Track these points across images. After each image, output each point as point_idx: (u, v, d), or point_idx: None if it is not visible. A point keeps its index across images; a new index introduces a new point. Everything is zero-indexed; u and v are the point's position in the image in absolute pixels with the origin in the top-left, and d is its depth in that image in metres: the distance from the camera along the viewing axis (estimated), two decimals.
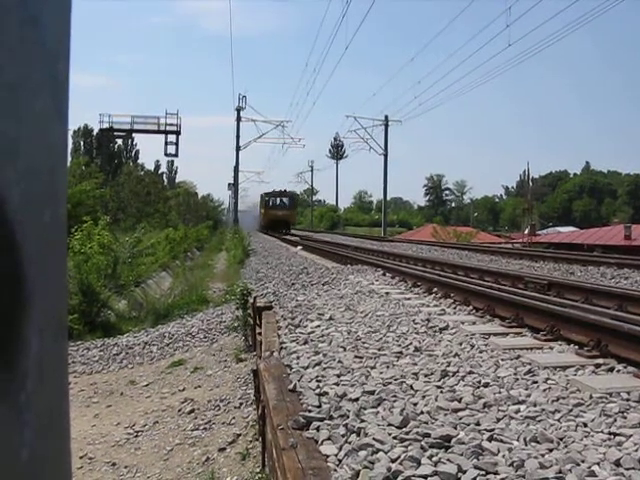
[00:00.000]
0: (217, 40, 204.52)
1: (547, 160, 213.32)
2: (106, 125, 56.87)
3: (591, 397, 4.18)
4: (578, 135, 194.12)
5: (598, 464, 3.03)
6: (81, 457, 6.69)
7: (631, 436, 3.41)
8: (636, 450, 3.18)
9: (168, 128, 56.56)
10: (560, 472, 2.90)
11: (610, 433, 3.49)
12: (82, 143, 64.29)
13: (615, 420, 3.70)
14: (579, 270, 14.73)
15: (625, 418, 3.74)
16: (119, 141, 64.46)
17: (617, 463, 3.04)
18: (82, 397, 9.23)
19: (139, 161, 71.02)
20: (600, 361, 5.21)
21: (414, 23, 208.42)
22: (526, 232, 49.84)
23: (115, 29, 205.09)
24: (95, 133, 61.58)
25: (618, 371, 4.99)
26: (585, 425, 3.64)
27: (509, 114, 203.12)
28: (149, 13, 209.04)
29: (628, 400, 4.12)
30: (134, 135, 61.86)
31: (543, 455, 3.14)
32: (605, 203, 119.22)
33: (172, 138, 57.25)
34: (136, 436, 7.29)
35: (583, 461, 3.05)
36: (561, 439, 3.39)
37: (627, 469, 2.98)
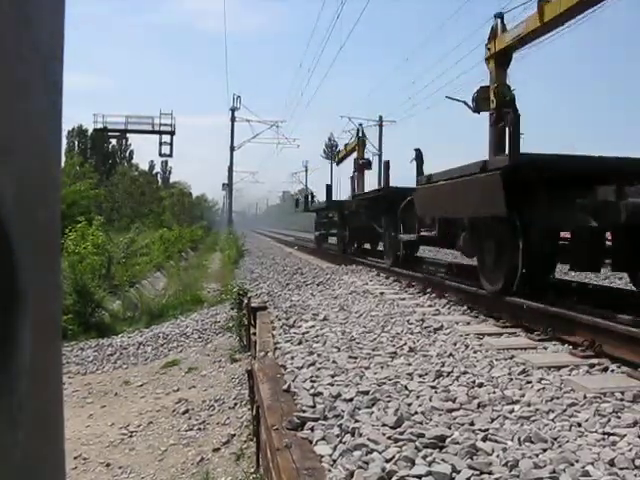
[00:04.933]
0: (212, 40, 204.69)
1: None
2: (100, 125, 56.88)
3: (585, 397, 4.18)
4: (575, 135, 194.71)
5: (592, 464, 3.03)
6: (75, 457, 6.67)
7: (625, 436, 3.42)
8: (630, 450, 3.19)
9: (162, 128, 56.62)
10: (554, 472, 2.91)
11: (604, 433, 3.50)
12: (76, 143, 63.99)
13: (609, 420, 3.70)
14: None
15: (619, 418, 3.75)
16: (113, 141, 64.25)
17: (611, 463, 3.04)
18: (76, 397, 9.20)
19: (133, 161, 70.75)
20: (594, 361, 5.22)
21: (408, 24, 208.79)
22: None
23: (110, 28, 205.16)
24: (89, 133, 61.30)
25: (612, 371, 5.00)
26: (579, 425, 3.65)
27: None
28: (144, 12, 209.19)
29: (622, 400, 4.13)
30: (128, 135, 61.76)
31: (537, 455, 3.15)
32: None
33: (166, 138, 57.34)
34: (130, 436, 7.27)
35: (577, 461, 3.06)
36: (555, 439, 3.39)
37: (621, 469, 2.98)
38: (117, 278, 18.59)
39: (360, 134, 26.38)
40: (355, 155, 25.98)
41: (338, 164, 32.60)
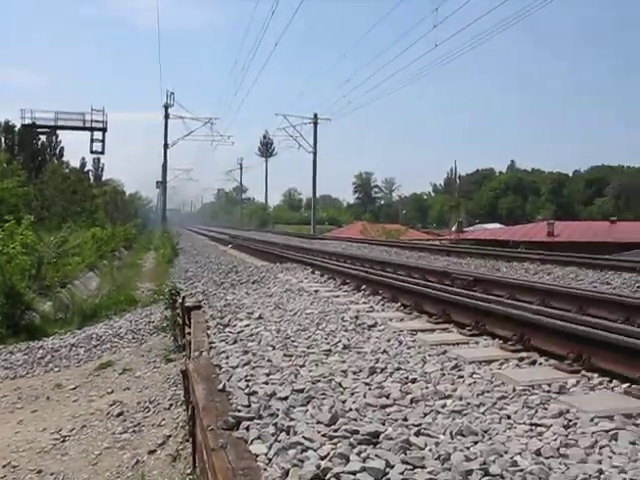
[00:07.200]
0: (146, 37, 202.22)
1: (474, 158, 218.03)
2: (28, 121, 55.41)
3: (514, 390, 4.30)
4: (503, 134, 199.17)
5: (520, 454, 3.12)
6: (4, 466, 6.50)
7: (551, 426, 3.53)
8: (555, 439, 3.30)
9: (94, 125, 55.58)
10: (484, 463, 2.98)
11: (532, 424, 3.60)
12: (3, 140, 62.05)
13: (536, 411, 3.82)
14: (504, 266, 15.12)
15: (546, 409, 3.86)
16: (43, 138, 62.56)
17: (538, 452, 3.14)
18: (5, 403, 8.97)
19: (64, 158, 68.98)
20: (523, 355, 5.37)
21: (343, 23, 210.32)
22: (453, 229, 50.86)
23: (43, 22, 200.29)
24: (17, 130, 59.50)
25: (540, 364, 5.15)
26: (508, 417, 3.74)
27: (437, 113, 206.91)
28: (77, 6, 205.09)
29: (549, 392, 4.27)
30: (59, 132, 60.29)
31: (468, 448, 3.22)
32: (529, 201, 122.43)
33: (98, 135, 56.46)
34: (63, 441, 7.13)
35: (506, 452, 3.14)
36: (485, 431, 3.47)
37: (547, 458, 3.08)
38: (48, 279, 18.16)
39: None
40: None
41: None
